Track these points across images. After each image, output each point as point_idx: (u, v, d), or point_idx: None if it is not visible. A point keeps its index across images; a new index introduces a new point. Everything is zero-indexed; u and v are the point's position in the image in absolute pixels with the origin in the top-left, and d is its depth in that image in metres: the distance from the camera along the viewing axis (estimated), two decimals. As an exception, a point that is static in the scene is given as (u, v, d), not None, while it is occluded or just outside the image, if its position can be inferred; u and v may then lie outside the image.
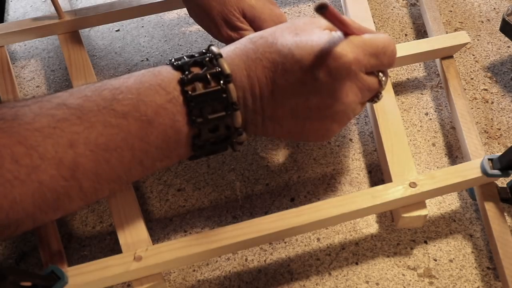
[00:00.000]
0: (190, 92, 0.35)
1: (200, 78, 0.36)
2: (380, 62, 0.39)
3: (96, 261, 0.40)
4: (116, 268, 0.40)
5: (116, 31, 0.65)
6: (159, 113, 0.35)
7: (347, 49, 0.37)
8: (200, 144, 0.37)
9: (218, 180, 0.51)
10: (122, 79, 0.36)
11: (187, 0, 0.50)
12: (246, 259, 0.47)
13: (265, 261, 0.47)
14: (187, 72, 0.36)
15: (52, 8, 0.55)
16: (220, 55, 0.37)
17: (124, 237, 0.43)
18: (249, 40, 0.39)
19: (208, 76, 0.36)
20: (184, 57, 0.38)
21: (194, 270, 0.46)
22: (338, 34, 0.38)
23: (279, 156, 0.53)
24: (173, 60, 0.37)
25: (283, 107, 0.38)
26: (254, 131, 0.40)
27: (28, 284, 0.33)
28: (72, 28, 0.56)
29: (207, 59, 0.37)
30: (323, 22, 0.39)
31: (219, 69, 0.36)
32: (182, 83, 0.36)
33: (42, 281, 0.36)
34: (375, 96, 0.42)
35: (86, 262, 0.40)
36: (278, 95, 0.38)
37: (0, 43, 0.56)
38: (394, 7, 0.65)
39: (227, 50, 0.38)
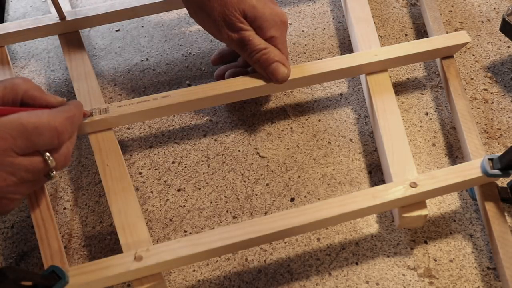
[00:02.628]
0: None
1: None
2: (34, 143, 0.37)
3: (96, 261, 0.40)
4: (116, 268, 0.40)
5: (116, 31, 0.65)
6: None
7: None
8: None
9: (218, 180, 0.51)
10: None
11: (187, 1, 0.50)
12: (246, 259, 0.47)
13: (265, 261, 0.47)
14: None
15: (52, 8, 0.55)
16: None
17: (124, 237, 0.43)
18: None
19: None
20: None
21: (194, 270, 0.46)
22: None
23: (279, 156, 0.53)
24: None
25: None
26: None
27: (29, 283, 0.33)
28: (72, 28, 0.56)
29: None
30: None
31: None
32: None
33: (42, 280, 0.35)
34: (46, 174, 0.40)
35: (86, 262, 0.40)
36: None
37: (0, 43, 0.56)
38: (394, 7, 0.65)
39: None
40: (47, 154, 0.39)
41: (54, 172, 0.40)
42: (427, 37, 0.60)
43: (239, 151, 0.53)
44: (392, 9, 0.65)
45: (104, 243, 0.48)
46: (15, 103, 0.41)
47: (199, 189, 0.51)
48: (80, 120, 0.44)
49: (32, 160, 0.38)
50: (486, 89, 0.57)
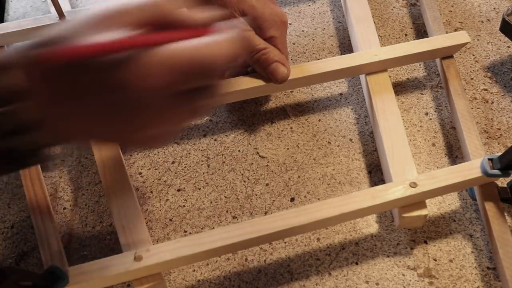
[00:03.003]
0: None
1: None
2: (191, 80, 0.31)
3: (96, 261, 0.40)
4: (116, 268, 0.40)
5: (116, 31, 0.65)
6: None
7: (148, 71, 0.29)
8: None
9: (218, 180, 0.52)
10: None
11: (187, 0, 0.50)
12: (246, 259, 0.47)
13: (265, 261, 0.47)
14: None
15: (52, 8, 0.55)
16: None
17: (124, 237, 0.43)
18: None
19: None
20: None
21: (194, 270, 0.46)
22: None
23: (279, 156, 0.53)
24: None
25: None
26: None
27: (29, 284, 0.33)
28: (72, 28, 0.56)
29: None
30: (131, 12, 0.30)
31: None
32: None
33: (42, 281, 0.36)
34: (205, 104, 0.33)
35: (86, 262, 0.40)
36: None
37: (0, 43, 0.55)
38: (394, 7, 0.65)
39: None
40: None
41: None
42: (427, 37, 0.60)
43: (239, 151, 0.53)
44: (392, 9, 0.65)
45: (104, 243, 0.48)
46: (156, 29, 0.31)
47: (199, 189, 0.51)
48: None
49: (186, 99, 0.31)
50: (486, 89, 0.57)
